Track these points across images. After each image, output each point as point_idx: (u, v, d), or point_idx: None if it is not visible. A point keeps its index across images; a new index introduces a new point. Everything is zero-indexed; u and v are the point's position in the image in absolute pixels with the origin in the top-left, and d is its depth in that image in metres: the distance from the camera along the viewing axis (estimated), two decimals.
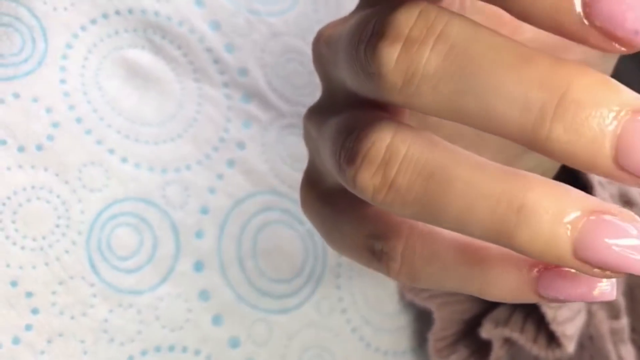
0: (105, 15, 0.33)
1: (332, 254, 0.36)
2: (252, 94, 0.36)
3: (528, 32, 0.23)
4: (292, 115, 0.36)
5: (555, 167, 0.29)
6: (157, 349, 0.31)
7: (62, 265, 0.29)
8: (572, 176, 0.33)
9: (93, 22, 0.33)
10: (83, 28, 0.33)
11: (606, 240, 0.16)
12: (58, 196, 0.30)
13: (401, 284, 0.37)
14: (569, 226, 0.16)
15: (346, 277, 0.36)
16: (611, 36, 0.15)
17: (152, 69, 0.34)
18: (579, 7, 0.15)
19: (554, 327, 0.33)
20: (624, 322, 0.38)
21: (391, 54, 0.17)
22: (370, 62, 0.17)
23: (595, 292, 0.17)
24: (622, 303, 0.38)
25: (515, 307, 0.35)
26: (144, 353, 0.30)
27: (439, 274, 0.19)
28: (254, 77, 0.36)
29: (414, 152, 0.17)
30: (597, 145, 0.15)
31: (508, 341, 0.35)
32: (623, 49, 0.16)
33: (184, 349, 0.31)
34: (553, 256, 0.16)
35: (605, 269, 0.16)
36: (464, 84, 0.16)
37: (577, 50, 0.23)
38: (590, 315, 0.36)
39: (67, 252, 0.30)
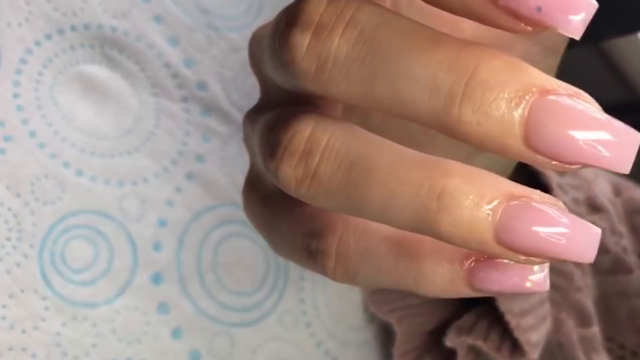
0: (60, 31, 0.33)
1: (294, 266, 0.35)
2: (211, 108, 0.36)
3: (467, 30, 0.23)
4: None
5: (508, 168, 0.29)
6: None
7: (12, 278, 0.29)
8: (531, 181, 0.33)
9: (48, 37, 0.33)
10: (37, 44, 0.33)
11: (527, 224, 0.16)
12: (9, 209, 0.29)
13: (364, 297, 0.36)
14: (489, 211, 0.16)
15: (310, 290, 0.35)
16: (515, 15, 0.15)
17: (109, 83, 0.34)
18: None
19: (517, 334, 0.33)
20: (595, 330, 0.37)
21: (302, 41, 0.17)
22: (284, 51, 0.17)
23: (528, 283, 0.17)
24: (592, 311, 0.38)
25: (480, 316, 0.35)
26: None
27: (373, 270, 0.18)
28: (213, 92, 0.36)
29: (334, 142, 0.17)
30: (506, 126, 0.15)
31: (473, 350, 0.34)
32: (529, 28, 0.16)
33: None
34: (475, 242, 0.16)
35: (528, 255, 0.16)
36: (375, 69, 0.16)
37: (518, 47, 0.23)
38: (557, 322, 0.36)
39: (18, 265, 0.29)
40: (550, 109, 0.15)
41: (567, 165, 0.16)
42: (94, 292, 0.30)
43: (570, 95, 0.16)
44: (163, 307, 0.32)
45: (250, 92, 0.37)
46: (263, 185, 0.22)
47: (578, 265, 0.37)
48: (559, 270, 0.36)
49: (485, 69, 0.15)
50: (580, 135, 0.15)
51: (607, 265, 0.38)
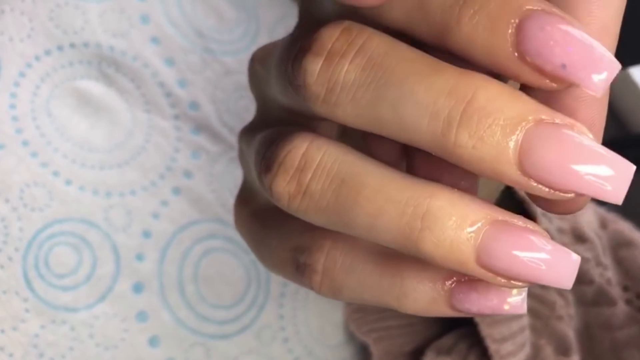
0: (60, 48, 0.35)
1: (275, 283, 0.36)
2: (202, 127, 0.37)
3: None
4: None
5: (494, 195, 0.30)
6: None
7: None
8: (517, 209, 0.34)
9: (47, 53, 0.34)
10: (37, 58, 0.34)
11: (508, 248, 0.16)
12: None
13: (346, 316, 0.37)
14: (472, 233, 0.16)
15: (290, 307, 0.36)
16: (540, 71, 0.16)
17: (104, 99, 0.35)
18: (511, 45, 0.16)
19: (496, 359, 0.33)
20: (575, 359, 0.37)
21: (314, 66, 0.18)
22: (296, 74, 0.18)
23: (506, 306, 0.18)
24: (572, 340, 0.38)
25: (460, 338, 0.35)
26: None
27: (358, 286, 0.19)
28: (205, 111, 0.37)
29: (327, 160, 0.18)
30: (500, 151, 0.16)
31: None
32: (554, 84, 0.16)
33: None
34: (456, 262, 0.16)
35: (508, 278, 0.17)
36: (379, 93, 0.17)
37: None
38: (536, 349, 0.36)
39: (1, 267, 0.30)
40: (545, 137, 0.16)
41: (562, 194, 0.16)
42: (74, 298, 0.31)
43: (566, 126, 0.16)
44: (142, 316, 0.33)
45: (241, 113, 0.38)
46: (254, 200, 0.23)
47: (561, 294, 0.37)
48: (541, 298, 0.36)
49: (483, 96, 0.16)
50: (576, 165, 0.16)
51: (590, 296, 0.38)
